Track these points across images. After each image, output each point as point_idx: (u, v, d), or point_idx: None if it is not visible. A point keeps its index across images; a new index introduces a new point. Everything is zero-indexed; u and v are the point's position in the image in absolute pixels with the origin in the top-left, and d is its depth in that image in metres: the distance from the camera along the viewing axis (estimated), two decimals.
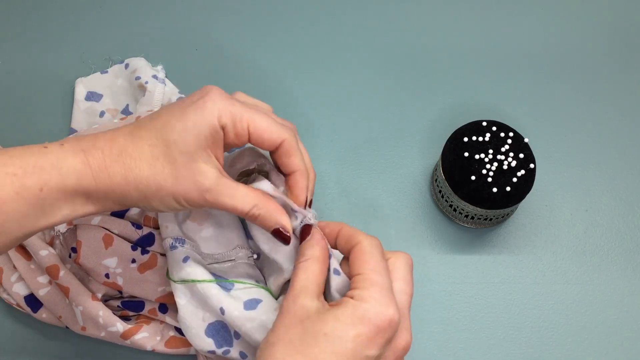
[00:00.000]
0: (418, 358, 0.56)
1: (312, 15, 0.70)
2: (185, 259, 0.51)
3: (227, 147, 0.47)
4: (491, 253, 0.60)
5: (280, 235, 0.47)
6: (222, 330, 0.51)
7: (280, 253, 0.49)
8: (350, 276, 0.44)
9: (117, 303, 0.55)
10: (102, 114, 0.65)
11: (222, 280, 0.51)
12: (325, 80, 0.67)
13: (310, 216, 0.48)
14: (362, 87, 0.67)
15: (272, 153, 0.49)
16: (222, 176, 0.45)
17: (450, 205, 0.58)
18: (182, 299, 0.51)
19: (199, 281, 0.50)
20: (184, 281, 0.51)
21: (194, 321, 0.51)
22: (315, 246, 0.46)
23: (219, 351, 0.51)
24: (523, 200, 0.57)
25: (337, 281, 0.46)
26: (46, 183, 0.42)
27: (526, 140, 0.57)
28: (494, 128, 0.57)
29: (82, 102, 0.65)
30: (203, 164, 0.44)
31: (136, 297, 0.56)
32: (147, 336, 0.54)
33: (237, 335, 0.51)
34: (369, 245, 0.44)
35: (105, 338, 0.54)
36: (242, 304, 0.50)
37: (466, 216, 0.58)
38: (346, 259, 0.47)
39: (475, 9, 0.71)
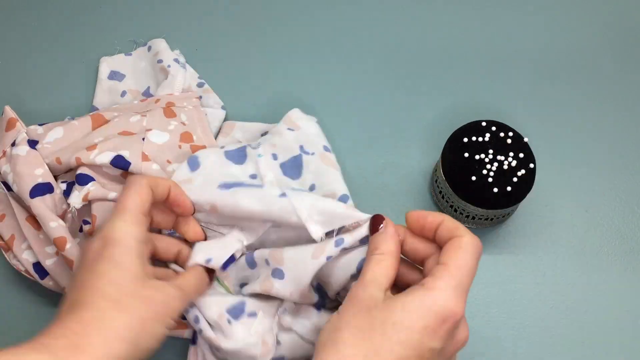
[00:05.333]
0: None
1: (311, 15, 0.70)
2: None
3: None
4: (491, 253, 0.60)
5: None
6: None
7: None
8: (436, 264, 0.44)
9: None
10: (123, 93, 0.65)
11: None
12: (325, 80, 0.67)
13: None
14: (362, 87, 0.67)
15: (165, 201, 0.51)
16: (151, 275, 0.46)
17: (451, 206, 0.58)
18: None
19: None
20: None
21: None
22: (389, 240, 0.46)
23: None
24: (523, 200, 0.57)
25: None
26: None
27: (526, 139, 0.57)
28: (494, 128, 0.57)
29: (105, 80, 0.66)
30: (153, 283, 0.45)
31: None
32: None
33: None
34: (468, 243, 0.43)
35: None
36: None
37: (467, 216, 0.58)
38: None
39: (476, 9, 0.71)
